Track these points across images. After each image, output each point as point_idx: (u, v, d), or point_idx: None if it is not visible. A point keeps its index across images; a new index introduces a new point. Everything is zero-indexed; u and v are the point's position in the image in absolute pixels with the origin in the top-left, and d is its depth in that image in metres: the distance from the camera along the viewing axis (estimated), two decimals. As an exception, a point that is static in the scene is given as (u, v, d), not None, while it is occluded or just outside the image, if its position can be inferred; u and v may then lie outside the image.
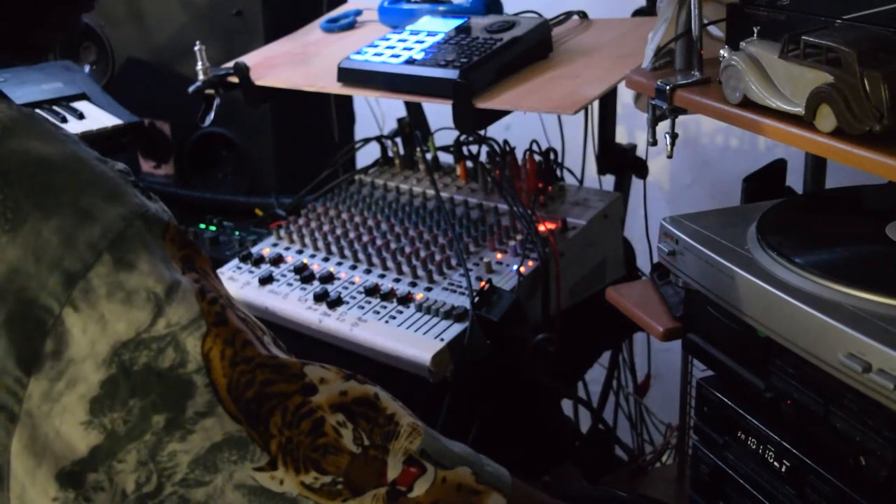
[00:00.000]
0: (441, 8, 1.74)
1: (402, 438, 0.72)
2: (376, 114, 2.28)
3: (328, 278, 1.47)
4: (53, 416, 0.63)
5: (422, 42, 1.58)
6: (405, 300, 1.38)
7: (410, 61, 1.53)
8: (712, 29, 1.26)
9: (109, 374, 0.63)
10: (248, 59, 1.78)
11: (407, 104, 1.90)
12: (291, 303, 1.45)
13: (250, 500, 0.67)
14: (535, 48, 1.53)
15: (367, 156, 1.94)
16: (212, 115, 1.74)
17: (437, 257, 1.45)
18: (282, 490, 0.67)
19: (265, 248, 1.62)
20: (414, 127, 1.82)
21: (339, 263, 1.52)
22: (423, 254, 1.46)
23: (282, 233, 1.64)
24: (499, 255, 1.45)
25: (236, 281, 1.54)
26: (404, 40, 1.61)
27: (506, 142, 1.68)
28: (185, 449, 0.65)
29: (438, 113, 1.69)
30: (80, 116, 1.89)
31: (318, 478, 0.68)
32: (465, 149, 1.72)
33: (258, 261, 1.57)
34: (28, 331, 0.62)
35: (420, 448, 0.72)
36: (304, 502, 0.68)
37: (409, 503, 0.70)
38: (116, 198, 0.67)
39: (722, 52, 1.09)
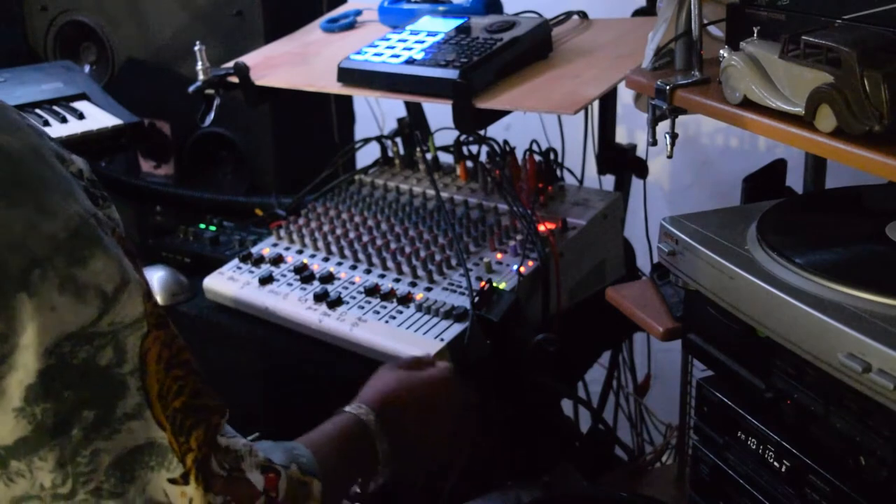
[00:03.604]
0: (441, 8, 1.74)
1: (247, 457, 0.78)
2: (376, 114, 2.29)
3: (328, 278, 1.47)
4: None
5: (422, 42, 1.58)
6: (405, 300, 1.38)
7: (410, 61, 1.53)
8: (712, 29, 1.26)
9: (48, 365, 0.65)
10: (248, 59, 1.78)
11: (407, 104, 1.90)
12: (291, 303, 1.45)
13: None
14: (535, 48, 1.53)
15: (367, 156, 1.94)
16: (212, 115, 1.74)
17: (437, 257, 1.45)
18: None
19: (265, 248, 1.62)
20: (414, 127, 1.82)
21: (339, 263, 1.52)
22: (423, 254, 1.46)
23: (282, 233, 1.64)
24: (499, 255, 1.45)
25: (236, 281, 1.54)
26: (404, 40, 1.61)
27: (506, 142, 1.68)
28: (108, 448, 0.67)
29: (438, 113, 1.69)
30: (80, 116, 1.89)
31: (216, 497, 0.73)
32: (465, 149, 1.72)
33: (258, 261, 1.57)
34: None
35: (264, 458, 0.79)
36: None
37: None
38: (71, 197, 0.69)
39: (722, 52, 1.09)
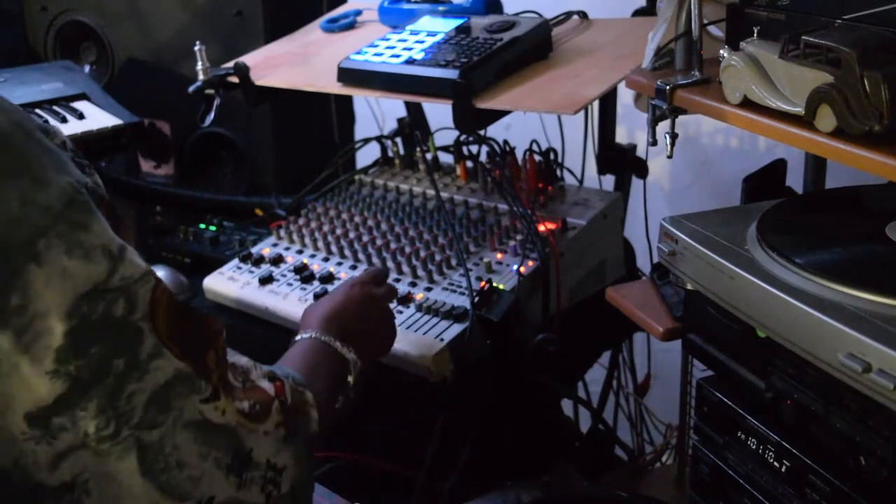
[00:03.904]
0: (441, 8, 1.74)
1: (253, 370, 0.87)
2: (376, 114, 2.29)
3: (328, 278, 1.47)
4: (22, 365, 0.68)
5: (422, 42, 1.58)
6: (405, 300, 1.38)
7: (410, 61, 1.53)
8: (712, 29, 1.26)
9: (72, 326, 0.69)
10: (248, 59, 1.78)
11: (407, 104, 1.90)
12: (291, 303, 1.45)
13: (196, 437, 0.76)
14: (535, 48, 1.53)
15: (367, 156, 1.94)
16: (212, 115, 1.74)
17: (437, 257, 1.45)
18: (223, 421, 0.78)
19: (265, 248, 1.62)
20: (414, 127, 1.82)
21: (339, 263, 1.52)
22: (423, 254, 1.46)
23: (282, 233, 1.64)
24: (499, 255, 1.45)
25: (236, 281, 1.54)
26: (404, 40, 1.61)
27: (506, 142, 1.68)
28: (142, 388, 0.73)
29: (438, 113, 1.69)
30: (80, 116, 1.89)
31: (242, 403, 0.80)
32: (465, 149, 1.72)
33: (258, 261, 1.57)
34: None
35: (268, 370, 0.88)
36: (240, 431, 0.79)
37: (289, 409, 0.86)
38: (62, 168, 0.73)
39: (722, 52, 1.09)
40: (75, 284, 0.69)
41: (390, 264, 1.46)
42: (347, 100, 2.21)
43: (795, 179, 1.39)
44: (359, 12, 1.93)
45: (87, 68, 2.23)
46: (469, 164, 1.70)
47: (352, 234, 1.58)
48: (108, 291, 0.71)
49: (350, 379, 1.08)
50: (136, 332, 0.73)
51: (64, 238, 0.69)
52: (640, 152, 1.75)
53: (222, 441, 0.78)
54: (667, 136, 1.18)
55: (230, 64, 1.73)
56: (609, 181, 1.80)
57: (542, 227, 1.47)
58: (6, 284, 0.67)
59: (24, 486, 0.72)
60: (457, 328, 1.31)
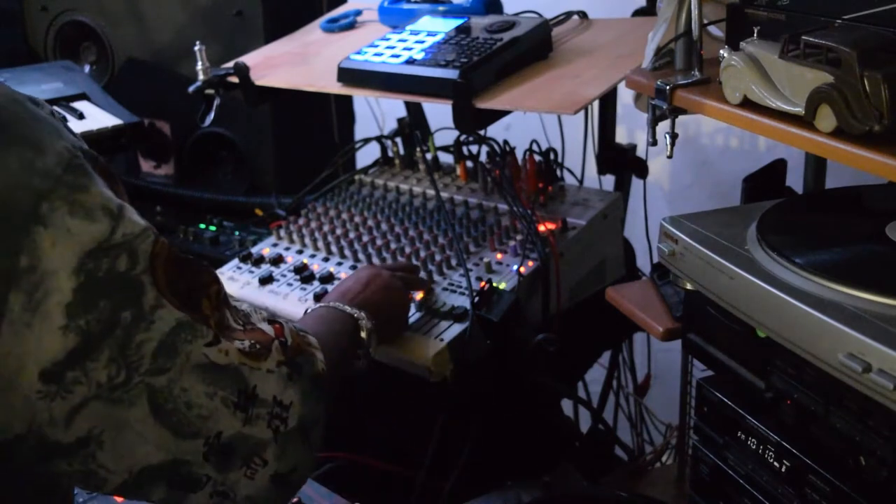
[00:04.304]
0: (441, 8, 1.74)
1: (253, 313, 0.91)
2: (376, 114, 2.29)
3: (328, 278, 1.47)
4: (34, 324, 0.71)
5: (422, 42, 1.58)
6: (405, 300, 1.38)
7: (410, 61, 1.53)
8: (712, 29, 1.26)
9: (79, 282, 0.72)
10: (248, 59, 1.78)
11: (407, 104, 1.90)
12: (291, 303, 1.45)
13: (203, 379, 0.80)
14: (535, 48, 1.53)
15: (367, 156, 1.94)
16: (212, 115, 1.74)
17: (437, 257, 1.45)
18: (227, 361, 0.82)
19: (265, 248, 1.62)
20: (414, 127, 1.82)
21: (339, 263, 1.52)
22: (423, 254, 1.46)
23: (282, 233, 1.64)
24: (499, 255, 1.45)
25: (236, 281, 1.54)
26: (404, 40, 1.61)
27: (506, 142, 1.68)
28: (149, 337, 0.76)
29: (438, 113, 1.69)
30: (80, 116, 1.89)
31: (243, 343, 0.84)
32: (465, 149, 1.72)
33: (258, 261, 1.57)
34: (4, 249, 0.70)
35: (266, 314, 0.92)
36: (243, 369, 0.83)
37: (290, 349, 0.90)
38: (56, 134, 0.75)
39: (722, 52, 1.09)
40: (81, 243, 0.72)
41: (390, 264, 1.46)
42: (347, 100, 2.21)
43: (795, 179, 1.39)
44: (359, 12, 1.93)
45: (87, 68, 2.23)
46: (469, 164, 1.70)
47: (352, 234, 1.58)
48: (111, 248, 0.74)
49: (363, 334, 1.16)
50: (139, 285, 0.76)
51: (65, 200, 0.72)
52: (640, 152, 1.75)
53: (227, 380, 0.82)
54: (667, 136, 1.18)
55: (230, 64, 1.73)
56: (609, 181, 1.80)
57: (542, 227, 1.47)
58: (15, 247, 0.70)
59: (39, 449, 0.75)
60: (457, 328, 1.31)
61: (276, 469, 0.86)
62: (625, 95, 1.66)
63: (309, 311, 1.20)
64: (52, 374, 0.73)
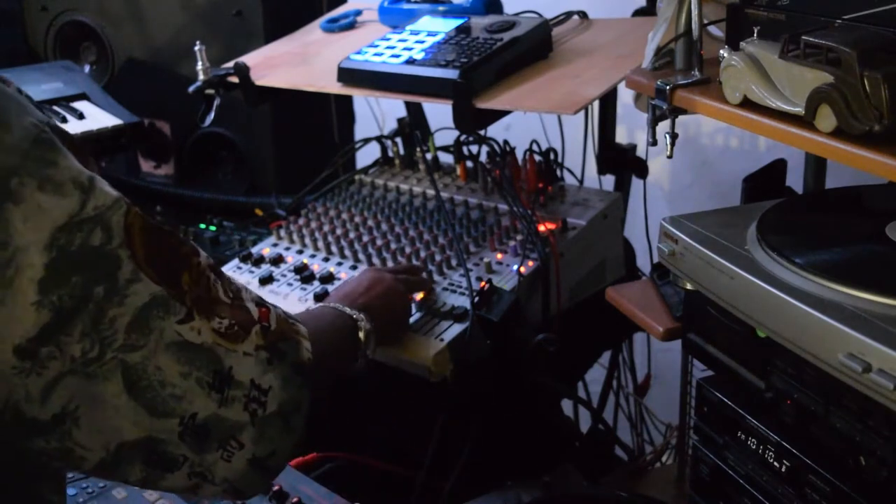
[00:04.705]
0: (441, 8, 1.74)
1: (244, 290, 0.90)
2: (376, 114, 2.29)
3: (328, 278, 1.47)
4: (7, 300, 0.72)
5: (422, 42, 1.58)
6: (405, 300, 1.38)
7: (410, 61, 1.53)
8: (712, 29, 1.26)
9: (51, 257, 0.73)
10: (248, 59, 1.78)
11: (407, 104, 1.90)
12: (291, 303, 1.44)
13: (178, 358, 0.80)
14: (535, 48, 1.53)
15: (367, 156, 1.94)
16: (212, 115, 1.74)
17: (438, 257, 1.45)
18: (200, 340, 0.81)
19: (265, 248, 1.62)
20: (414, 127, 1.82)
21: (339, 263, 1.52)
22: (423, 254, 1.46)
23: (282, 233, 1.64)
24: (499, 255, 1.45)
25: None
26: (404, 40, 1.61)
27: (506, 142, 1.68)
28: (122, 312, 0.76)
29: (438, 113, 1.69)
30: (80, 116, 1.89)
31: (221, 322, 0.83)
32: (465, 149, 1.72)
33: (258, 261, 1.57)
34: None
35: (257, 295, 0.92)
36: (218, 350, 0.83)
37: (272, 334, 0.89)
38: (22, 110, 0.75)
39: (722, 52, 1.09)
40: (52, 218, 0.73)
41: (390, 264, 1.46)
42: (347, 100, 2.21)
43: (795, 179, 1.39)
44: (359, 12, 1.93)
45: (87, 68, 2.24)
46: (469, 164, 1.70)
47: (352, 234, 1.58)
48: (83, 222, 0.74)
49: (361, 335, 1.16)
50: (115, 259, 0.76)
51: (35, 175, 0.72)
52: (640, 152, 1.75)
53: (202, 361, 0.82)
54: (667, 136, 1.18)
55: (230, 64, 1.73)
56: (609, 181, 1.80)
57: (542, 227, 1.47)
58: None
59: (16, 425, 0.75)
60: (457, 328, 1.31)
61: (253, 453, 0.86)
62: (625, 95, 1.66)
63: (309, 309, 1.20)
64: (27, 350, 0.73)
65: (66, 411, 0.76)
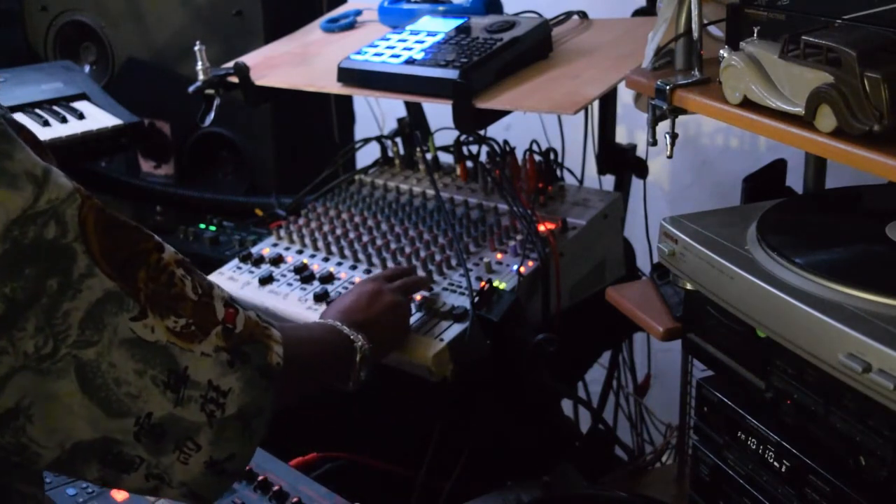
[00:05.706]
0: (441, 8, 1.74)
1: (216, 288, 0.88)
2: (376, 114, 2.29)
3: (328, 278, 1.47)
4: None
5: (422, 42, 1.58)
6: (405, 300, 1.38)
7: (410, 61, 1.53)
8: (712, 29, 1.26)
9: (4, 250, 0.72)
10: (248, 59, 1.78)
11: (407, 104, 1.90)
12: (291, 303, 1.45)
13: (133, 355, 0.79)
14: (535, 48, 1.53)
15: (367, 156, 1.94)
16: (212, 115, 1.74)
17: (437, 257, 1.45)
18: (154, 339, 0.80)
19: (265, 248, 1.62)
20: (414, 127, 1.82)
21: (339, 263, 1.52)
22: (423, 254, 1.46)
23: (282, 233, 1.64)
24: (499, 255, 1.45)
25: (236, 281, 1.54)
26: (404, 40, 1.61)
27: (506, 142, 1.68)
28: (76, 306, 0.75)
29: (438, 113, 1.69)
30: (80, 116, 1.89)
31: (178, 321, 0.82)
32: (465, 149, 1.72)
33: (258, 261, 1.57)
34: None
35: (228, 295, 0.90)
36: (172, 349, 0.81)
37: (236, 337, 0.87)
38: None
39: (722, 52, 1.09)
40: (6, 211, 0.72)
41: (390, 264, 1.46)
42: (347, 100, 2.22)
43: (795, 179, 1.39)
44: (359, 12, 1.93)
45: (87, 68, 2.24)
46: (469, 164, 1.70)
47: (352, 234, 1.58)
48: (37, 215, 0.74)
49: (357, 357, 1.14)
50: (70, 252, 0.75)
51: None
52: (640, 152, 1.75)
53: (157, 359, 0.80)
54: (667, 136, 1.18)
55: (230, 64, 1.73)
56: (609, 181, 1.80)
57: (542, 227, 1.47)
58: None
59: None
60: (457, 328, 1.31)
61: (210, 455, 0.84)
62: (625, 95, 1.66)
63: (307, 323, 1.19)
64: None
65: (20, 407, 0.75)
